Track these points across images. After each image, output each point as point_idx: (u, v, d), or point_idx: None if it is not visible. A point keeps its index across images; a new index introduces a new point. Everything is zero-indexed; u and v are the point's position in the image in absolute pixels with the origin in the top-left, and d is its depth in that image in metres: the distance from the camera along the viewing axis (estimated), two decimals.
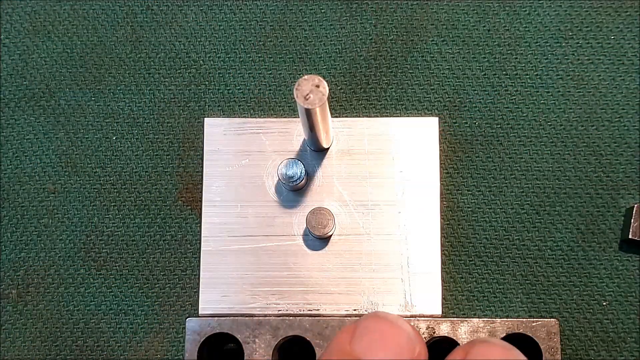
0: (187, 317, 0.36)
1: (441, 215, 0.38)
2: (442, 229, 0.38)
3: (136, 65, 0.41)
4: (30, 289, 0.39)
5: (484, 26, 0.40)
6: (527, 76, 0.40)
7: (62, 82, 0.41)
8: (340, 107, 0.40)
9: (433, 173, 0.38)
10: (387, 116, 0.39)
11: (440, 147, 0.39)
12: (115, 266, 0.39)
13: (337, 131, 0.39)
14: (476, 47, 0.40)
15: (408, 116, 0.39)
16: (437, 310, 0.37)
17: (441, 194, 0.38)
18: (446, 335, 0.35)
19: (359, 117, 0.40)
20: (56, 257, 0.39)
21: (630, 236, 0.37)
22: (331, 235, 0.38)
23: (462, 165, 0.39)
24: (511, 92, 0.40)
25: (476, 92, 0.40)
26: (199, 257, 0.38)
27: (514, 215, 0.38)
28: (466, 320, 0.35)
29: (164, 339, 0.38)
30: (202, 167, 0.39)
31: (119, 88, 0.41)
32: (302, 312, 0.37)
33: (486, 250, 0.38)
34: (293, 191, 0.38)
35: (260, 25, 0.41)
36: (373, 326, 0.19)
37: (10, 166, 0.40)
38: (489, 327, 0.35)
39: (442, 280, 0.37)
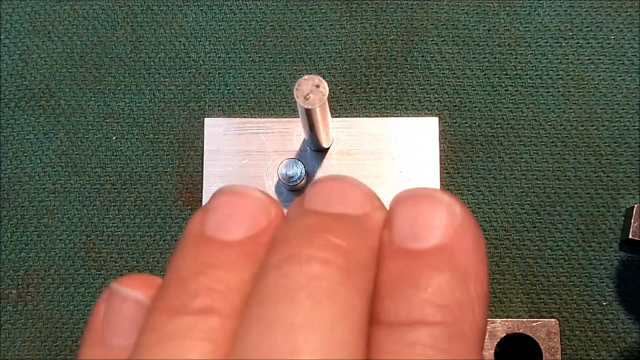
0: None
1: None
2: None
3: (136, 65, 0.41)
4: (30, 289, 0.39)
5: (484, 26, 0.40)
6: (527, 76, 0.40)
7: (62, 82, 0.41)
8: (340, 107, 0.40)
9: (433, 173, 0.38)
10: (387, 116, 0.39)
11: (440, 147, 0.39)
12: (115, 266, 0.39)
13: (337, 131, 0.39)
14: (476, 47, 0.40)
15: (408, 116, 0.39)
16: None
17: None
18: None
19: (359, 117, 0.40)
20: (56, 257, 0.39)
21: (630, 236, 0.37)
22: None
23: (462, 165, 0.39)
24: (511, 92, 0.40)
25: (476, 92, 0.40)
26: None
27: (514, 215, 0.38)
28: None
29: None
30: (202, 167, 0.39)
31: (119, 88, 0.41)
32: None
33: (486, 250, 0.38)
34: (293, 191, 0.38)
35: (260, 25, 0.41)
36: (222, 202, 0.17)
37: (10, 166, 0.40)
38: (489, 327, 0.35)
39: None
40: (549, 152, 0.39)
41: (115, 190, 0.40)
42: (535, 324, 0.34)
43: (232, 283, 0.15)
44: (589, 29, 0.40)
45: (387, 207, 0.17)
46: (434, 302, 0.15)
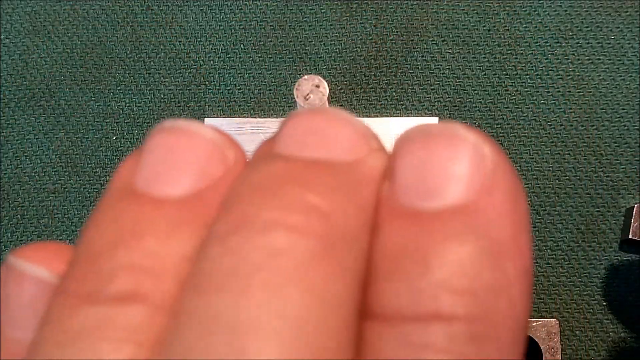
0: None
1: None
2: None
3: (136, 65, 0.41)
4: None
5: (484, 26, 0.40)
6: (527, 76, 0.40)
7: (62, 82, 0.41)
8: (340, 107, 0.40)
9: None
10: (387, 116, 0.39)
11: None
12: None
13: None
14: (476, 47, 0.40)
15: (408, 116, 0.39)
16: None
17: None
18: None
19: (359, 117, 0.40)
20: None
21: (630, 236, 0.37)
22: None
23: None
24: (511, 92, 0.40)
25: (476, 92, 0.40)
26: None
27: None
28: None
29: None
30: None
31: (119, 88, 0.41)
32: None
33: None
34: None
35: (260, 25, 0.41)
36: (159, 144, 0.12)
37: (10, 166, 0.40)
38: None
39: None
40: (549, 152, 0.39)
41: None
42: (535, 324, 0.34)
43: (167, 259, 0.11)
44: (589, 29, 0.40)
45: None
46: (452, 286, 0.10)
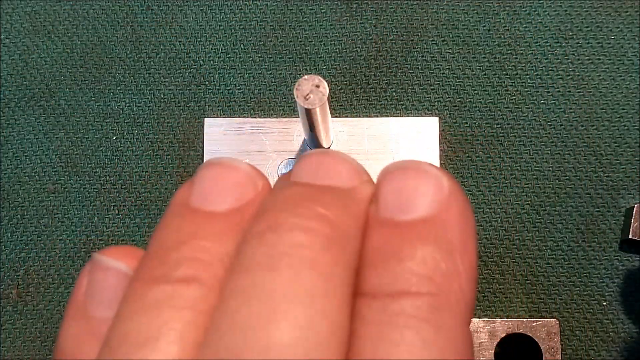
0: None
1: None
2: None
3: (136, 65, 0.41)
4: (30, 289, 0.39)
5: (484, 26, 0.40)
6: (527, 76, 0.40)
7: (62, 82, 0.41)
8: (340, 107, 0.40)
9: None
10: (387, 116, 0.39)
11: (440, 147, 0.39)
12: None
13: (337, 131, 0.39)
14: (476, 47, 0.40)
15: (408, 116, 0.39)
16: None
17: None
18: None
19: (359, 117, 0.40)
20: (56, 257, 0.39)
21: (630, 236, 0.37)
22: None
23: (462, 165, 0.39)
24: (511, 92, 0.40)
25: (476, 92, 0.40)
26: None
27: (514, 215, 0.38)
28: None
29: None
30: None
31: (119, 88, 0.41)
32: None
33: (486, 250, 0.38)
34: None
35: (260, 25, 0.41)
36: (209, 174, 0.17)
37: (10, 166, 0.40)
38: (489, 327, 0.35)
39: None
40: (549, 152, 0.39)
41: (115, 190, 0.40)
42: (535, 324, 0.34)
43: (216, 254, 0.15)
44: (589, 29, 0.40)
45: None
46: (418, 272, 0.15)
